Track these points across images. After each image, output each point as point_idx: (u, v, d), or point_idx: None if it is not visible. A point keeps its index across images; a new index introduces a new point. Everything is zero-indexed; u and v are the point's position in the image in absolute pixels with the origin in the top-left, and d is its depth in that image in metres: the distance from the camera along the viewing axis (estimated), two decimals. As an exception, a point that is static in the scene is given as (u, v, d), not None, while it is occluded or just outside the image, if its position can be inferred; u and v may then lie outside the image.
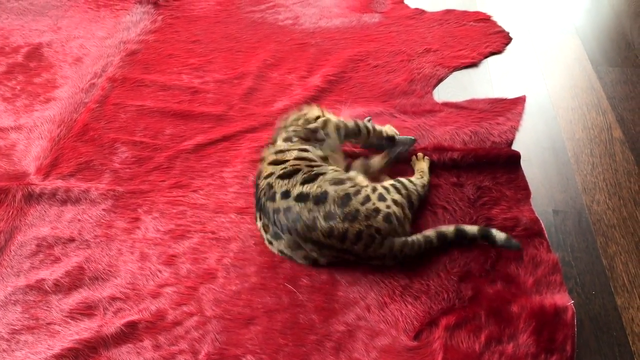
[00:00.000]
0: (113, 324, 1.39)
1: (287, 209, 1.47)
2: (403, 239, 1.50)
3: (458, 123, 1.99)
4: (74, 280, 1.50)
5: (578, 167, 1.86)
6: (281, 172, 1.54)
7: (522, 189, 1.75)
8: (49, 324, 1.41)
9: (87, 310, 1.44)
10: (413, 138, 1.86)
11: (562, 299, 1.43)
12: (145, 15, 2.60)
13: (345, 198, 1.48)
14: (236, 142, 1.92)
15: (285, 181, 1.52)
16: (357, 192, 1.50)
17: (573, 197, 1.75)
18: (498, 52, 2.40)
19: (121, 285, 1.49)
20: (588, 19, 2.65)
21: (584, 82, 2.23)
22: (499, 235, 1.54)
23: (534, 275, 1.49)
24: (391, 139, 1.83)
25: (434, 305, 1.44)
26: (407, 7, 2.72)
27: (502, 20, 2.59)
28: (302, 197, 1.47)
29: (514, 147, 1.90)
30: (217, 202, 1.71)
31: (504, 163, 1.81)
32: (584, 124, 2.03)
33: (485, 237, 1.55)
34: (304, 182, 1.50)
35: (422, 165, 1.77)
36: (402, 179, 1.64)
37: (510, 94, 2.14)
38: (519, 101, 2.10)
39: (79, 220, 1.66)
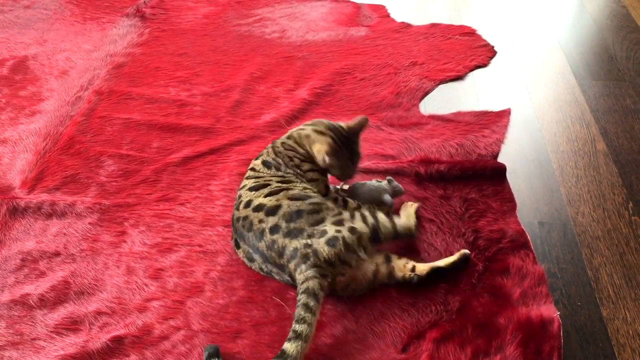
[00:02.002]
0: (99, 339, 1.38)
1: (244, 218, 1.49)
2: (311, 286, 1.34)
3: (444, 135, 2.00)
4: (60, 295, 1.48)
5: (563, 179, 1.88)
6: (253, 184, 1.55)
7: (508, 201, 1.76)
8: (33, 339, 1.39)
9: (72, 325, 1.42)
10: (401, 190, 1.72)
11: (548, 310, 1.44)
12: (132, 28, 2.60)
13: (296, 214, 1.44)
14: (223, 155, 1.92)
15: (253, 193, 1.53)
16: (313, 212, 1.45)
17: (558, 208, 1.77)
18: (483, 65, 2.43)
19: (107, 299, 1.48)
20: (571, 33, 2.69)
21: (568, 95, 2.26)
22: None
23: (521, 287, 1.50)
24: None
25: (422, 317, 1.44)
26: (393, 20, 2.74)
27: (487, 34, 2.63)
28: (258, 208, 1.48)
29: (500, 159, 1.92)
30: (204, 215, 1.70)
31: (490, 175, 1.83)
32: (568, 136, 2.05)
33: None
34: (267, 195, 1.50)
35: (409, 210, 1.65)
36: (380, 214, 1.52)
37: (496, 107, 2.17)
38: (504, 114, 2.13)
39: (65, 234, 1.65)
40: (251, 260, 1.51)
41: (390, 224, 1.50)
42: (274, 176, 1.57)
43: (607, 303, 1.50)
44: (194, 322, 1.43)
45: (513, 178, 1.84)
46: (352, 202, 1.61)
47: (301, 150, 1.62)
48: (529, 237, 1.64)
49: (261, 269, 1.51)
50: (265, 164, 1.61)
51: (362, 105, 2.17)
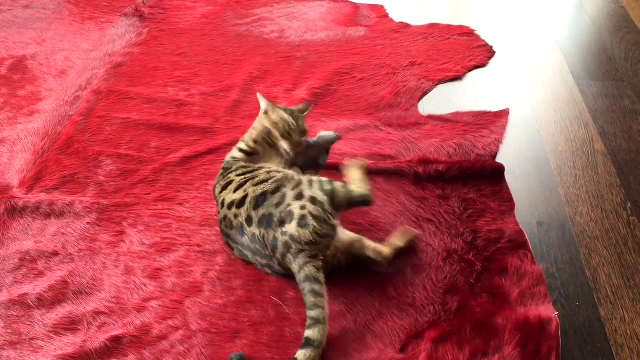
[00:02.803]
0: (97, 339, 1.38)
1: (224, 218, 1.51)
2: (309, 272, 1.38)
3: (443, 136, 2.01)
4: (58, 295, 1.48)
5: (561, 180, 1.88)
6: (220, 187, 1.57)
7: (507, 201, 1.76)
8: (32, 339, 1.39)
9: (70, 325, 1.42)
10: (336, 135, 1.73)
11: (547, 310, 1.44)
12: (131, 28, 2.60)
13: (261, 198, 1.45)
14: (222, 154, 1.91)
15: (222, 193, 1.55)
16: (276, 190, 1.45)
17: (557, 208, 1.77)
18: (482, 65, 2.43)
19: (105, 299, 1.48)
20: (570, 33, 2.69)
21: (567, 96, 2.26)
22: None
23: (519, 287, 1.50)
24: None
25: (420, 317, 1.44)
26: (392, 20, 2.75)
27: (486, 34, 2.63)
28: (231, 204, 1.50)
29: (498, 159, 1.92)
30: (202, 215, 1.70)
31: (488, 175, 1.83)
32: (566, 136, 2.06)
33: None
34: (236, 190, 1.51)
35: (354, 174, 1.55)
36: (335, 181, 1.49)
37: (494, 107, 2.17)
38: (503, 114, 2.13)
39: (63, 234, 1.65)
40: (245, 257, 1.53)
41: (346, 191, 1.46)
42: (232, 172, 1.59)
43: (605, 303, 1.51)
44: (193, 322, 1.42)
45: (512, 178, 1.84)
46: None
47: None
48: (527, 237, 1.64)
49: (254, 263, 1.52)
50: (223, 169, 1.64)
51: (361, 105, 2.17)
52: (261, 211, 1.44)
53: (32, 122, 2.05)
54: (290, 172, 1.54)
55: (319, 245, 1.41)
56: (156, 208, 1.73)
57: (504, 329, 1.40)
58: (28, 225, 1.67)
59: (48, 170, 1.84)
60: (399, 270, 1.54)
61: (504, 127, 2.07)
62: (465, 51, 2.51)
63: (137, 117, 2.07)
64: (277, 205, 1.43)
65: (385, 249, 1.53)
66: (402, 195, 1.75)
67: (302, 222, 1.40)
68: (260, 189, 1.47)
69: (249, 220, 1.45)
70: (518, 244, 1.62)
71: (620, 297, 1.52)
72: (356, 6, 2.84)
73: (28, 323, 1.42)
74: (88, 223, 1.68)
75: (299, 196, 1.44)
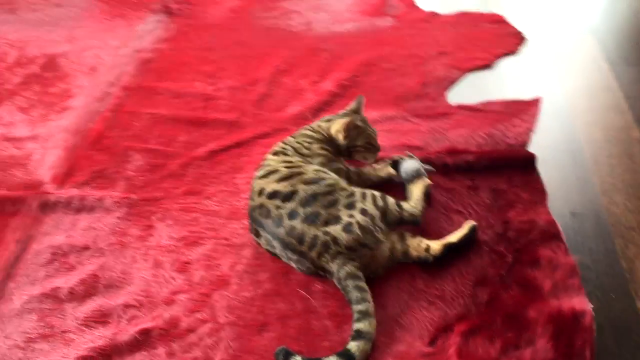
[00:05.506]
0: (127, 332, 1.39)
1: (260, 206, 1.50)
2: (351, 270, 1.40)
3: (472, 125, 1.97)
4: (89, 289, 1.50)
5: (596, 169, 1.83)
6: (262, 173, 1.56)
7: (539, 191, 1.72)
8: (63, 332, 1.41)
9: (101, 318, 1.43)
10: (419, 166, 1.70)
11: (581, 302, 1.40)
12: (159, 24, 2.62)
13: (311, 198, 1.46)
14: (249, 148, 1.92)
15: (263, 180, 1.54)
16: (327, 194, 1.47)
17: (591, 199, 1.72)
18: (512, 53, 2.38)
19: (135, 292, 1.49)
20: (604, 18, 2.61)
21: (601, 82, 2.20)
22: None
23: (552, 279, 1.47)
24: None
25: (449, 310, 1.42)
26: (420, 9, 2.71)
27: (516, 21, 2.57)
28: (273, 195, 1.49)
29: (530, 149, 1.88)
30: (230, 209, 1.71)
31: (519, 165, 1.79)
32: (601, 124, 2.00)
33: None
34: (280, 180, 1.51)
35: (415, 191, 1.62)
36: (389, 198, 1.52)
37: (525, 96, 2.12)
38: (534, 103, 2.08)
39: (94, 228, 1.67)
40: (272, 248, 1.52)
41: (397, 209, 1.51)
42: (280, 162, 1.59)
43: (642, 295, 1.46)
44: (220, 315, 1.43)
45: (544, 168, 1.80)
46: (352, 172, 1.68)
47: (317, 136, 1.69)
48: (560, 228, 1.60)
49: (281, 255, 1.52)
50: (274, 153, 1.64)
51: (389, 95, 2.14)
52: (310, 209, 1.44)
53: (64, 118, 2.08)
54: (340, 180, 1.56)
55: (357, 252, 1.43)
56: (184, 202, 1.74)
57: (536, 322, 1.36)
58: (60, 220, 1.70)
59: (79, 166, 1.87)
60: (427, 262, 1.51)
61: (535, 115, 2.02)
62: (495, 39, 2.46)
63: (165, 112, 2.09)
64: (326, 207, 1.45)
65: (435, 245, 1.51)
66: (431, 187, 1.72)
67: (347, 228, 1.42)
68: (311, 189, 1.47)
69: (292, 215, 1.45)
70: (550, 234, 1.58)
71: (658, 289, 1.47)
72: (383, -4, 2.80)
73: (60, 316, 1.44)
74: (118, 217, 1.70)
75: (350, 206, 1.46)
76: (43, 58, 2.41)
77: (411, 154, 1.75)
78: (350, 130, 1.69)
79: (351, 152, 1.73)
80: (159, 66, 2.34)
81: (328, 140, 1.70)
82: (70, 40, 2.53)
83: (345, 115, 1.76)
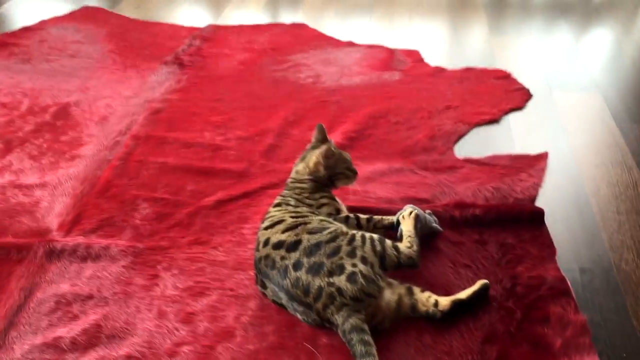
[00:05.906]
0: (128, 384, 1.37)
1: (266, 257, 1.49)
2: (356, 323, 1.37)
3: (480, 179, 1.97)
4: (91, 339, 1.48)
5: (604, 224, 1.82)
6: (267, 223, 1.57)
7: (547, 247, 1.71)
8: (64, 383, 1.38)
9: (103, 369, 1.41)
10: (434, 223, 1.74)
11: (593, 362, 1.37)
12: (171, 75, 2.67)
13: (315, 247, 1.45)
14: (256, 198, 1.92)
15: (269, 231, 1.54)
16: (330, 240, 1.47)
17: (600, 254, 1.71)
18: (519, 108, 2.41)
19: (138, 343, 1.47)
20: (609, 75, 2.65)
21: (608, 139, 2.21)
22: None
23: (562, 337, 1.44)
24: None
25: (458, 367, 1.39)
26: (427, 65, 2.75)
27: (522, 77, 2.61)
28: (278, 245, 1.48)
29: (537, 203, 1.87)
30: (236, 259, 1.70)
31: (527, 220, 1.78)
32: (608, 180, 2.00)
33: None
34: (285, 231, 1.51)
35: (408, 226, 1.63)
36: (387, 242, 1.52)
37: (533, 150, 2.13)
38: (541, 157, 2.09)
39: (99, 277, 1.66)
40: (278, 299, 1.50)
41: (395, 254, 1.50)
42: (285, 212, 1.59)
43: (655, 355, 1.43)
44: (224, 368, 1.40)
45: (552, 223, 1.79)
46: (363, 218, 1.68)
47: (304, 178, 1.72)
48: (569, 284, 1.58)
49: (287, 307, 1.50)
50: (276, 205, 1.66)
51: (396, 148, 2.16)
52: (313, 259, 1.43)
53: (73, 166, 2.10)
54: (342, 226, 1.56)
55: (363, 302, 1.41)
56: (190, 251, 1.73)
57: (546, 381, 1.33)
58: (65, 268, 1.69)
59: (86, 214, 1.87)
60: (435, 318, 1.49)
61: (542, 170, 2.02)
62: (501, 94, 2.49)
63: (173, 162, 2.10)
64: (329, 256, 1.44)
65: (444, 301, 1.49)
66: (438, 240, 1.71)
67: (352, 278, 1.40)
68: (315, 238, 1.47)
69: (297, 265, 1.44)
70: (560, 291, 1.56)
71: (671, 349, 1.44)
72: (391, 51, 2.86)
73: (61, 367, 1.42)
74: (123, 266, 1.69)
75: (352, 253, 1.45)
76: (55, 107, 2.45)
77: (415, 207, 1.73)
78: (329, 158, 1.70)
79: (333, 180, 1.74)
80: (169, 116, 2.37)
81: (314, 180, 1.72)
82: (82, 89, 2.58)
83: (314, 147, 1.78)
